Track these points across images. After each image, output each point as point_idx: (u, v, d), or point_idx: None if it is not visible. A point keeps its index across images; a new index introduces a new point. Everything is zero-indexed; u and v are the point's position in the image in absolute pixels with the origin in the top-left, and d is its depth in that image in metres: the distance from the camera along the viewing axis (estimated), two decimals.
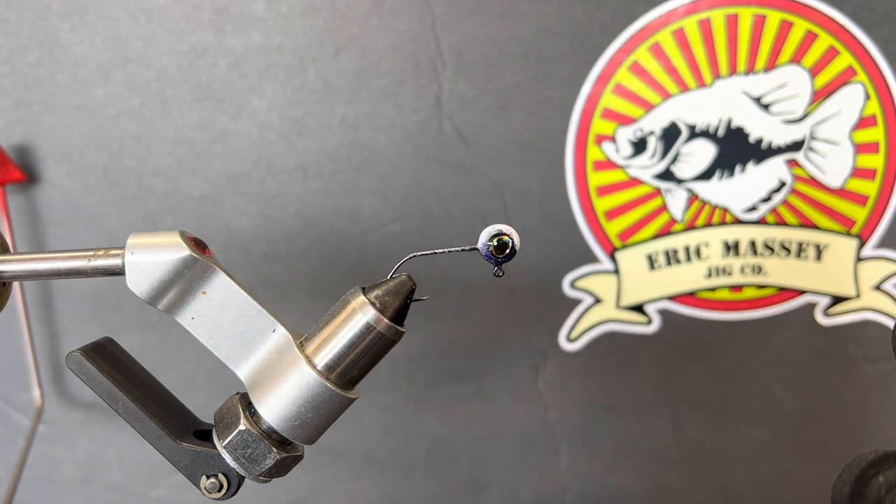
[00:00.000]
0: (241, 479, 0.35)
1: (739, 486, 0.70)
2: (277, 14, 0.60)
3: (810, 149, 0.62)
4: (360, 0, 0.60)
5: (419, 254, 0.34)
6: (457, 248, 0.34)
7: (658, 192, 0.63)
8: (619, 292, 0.65)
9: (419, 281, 0.34)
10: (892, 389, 0.68)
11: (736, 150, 0.62)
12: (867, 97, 0.61)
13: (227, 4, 0.60)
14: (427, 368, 0.67)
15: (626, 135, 0.62)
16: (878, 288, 0.65)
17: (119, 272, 0.34)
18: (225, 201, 0.63)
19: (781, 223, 0.64)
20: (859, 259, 0.64)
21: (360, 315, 0.33)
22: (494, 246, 0.33)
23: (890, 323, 0.66)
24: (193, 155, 0.62)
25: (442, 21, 0.60)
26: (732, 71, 0.61)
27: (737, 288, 0.65)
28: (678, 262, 0.65)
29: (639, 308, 0.66)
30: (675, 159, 0.63)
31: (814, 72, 0.61)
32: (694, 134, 0.62)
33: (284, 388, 0.33)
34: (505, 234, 0.33)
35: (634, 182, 0.63)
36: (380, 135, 0.62)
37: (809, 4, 0.60)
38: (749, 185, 0.63)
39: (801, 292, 0.65)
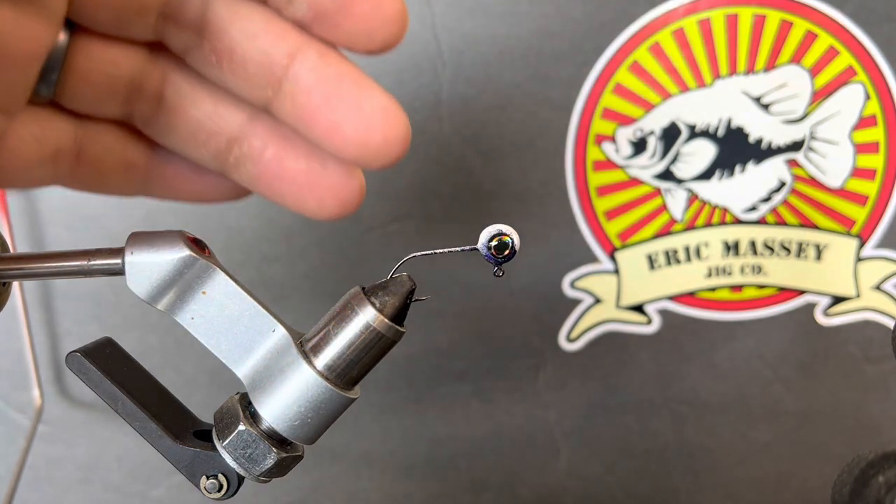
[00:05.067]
0: (241, 479, 0.35)
1: (739, 486, 0.70)
2: None
3: (810, 149, 0.62)
4: None
5: (419, 254, 0.34)
6: (457, 248, 0.34)
7: (658, 192, 0.63)
8: (619, 292, 0.65)
9: (419, 281, 0.34)
10: (892, 389, 0.68)
11: (736, 150, 0.62)
12: (867, 97, 0.61)
13: None
14: (427, 368, 0.67)
15: (626, 135, 0.62)
16: (878, 288, 0.65)
17: (119, 272, 0.34)
18: None
19: (781, 223, 0.64)
20: (859, 259, 0.64)
21: (359, 315, 0.33)
22: (494, 246, 0.33)
23: (890, 323, 0.66)
24: None
25: (442, 21, 0.60)
26: (732, 71, 0.61)
27: (737, 288, 0.65)
28: (678, 262, 0.65)
29: (639, 308, 0.66)
30: (675, 159, 0.63)
31: (814, 72, 0.61)
32: (694, 134, 0.62)
33: (284, 388, 0.33)
34: (505, 235, 0.33)
35: (634, 182, 0.63)
36: None
37: (809, 4, 0.60)
38: (749, 185, 0.63)
39: (801, 292, 0.65)
